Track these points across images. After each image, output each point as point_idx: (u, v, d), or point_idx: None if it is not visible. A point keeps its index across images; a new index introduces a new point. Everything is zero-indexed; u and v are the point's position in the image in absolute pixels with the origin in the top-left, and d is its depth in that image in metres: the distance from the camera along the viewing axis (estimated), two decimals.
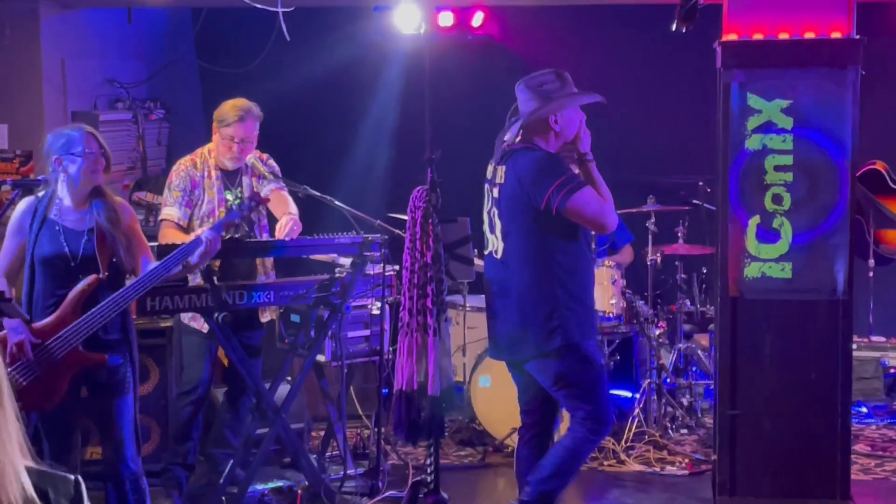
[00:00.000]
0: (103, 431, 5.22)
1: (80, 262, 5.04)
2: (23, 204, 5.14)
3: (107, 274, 5.03)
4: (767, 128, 6.24)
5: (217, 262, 6.01)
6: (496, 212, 5.36)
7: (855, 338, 7.07)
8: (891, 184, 8.13)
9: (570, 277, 5.30)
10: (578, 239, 5.38)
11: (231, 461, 6.03)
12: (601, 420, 5.35)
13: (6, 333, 4.92)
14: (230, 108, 6.15)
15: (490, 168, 5.49)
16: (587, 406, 5.34)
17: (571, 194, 5.21)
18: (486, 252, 5.50)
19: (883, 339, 8.45)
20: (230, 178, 6.22)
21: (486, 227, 5.49)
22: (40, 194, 5.14)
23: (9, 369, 4.90)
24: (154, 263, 5.13)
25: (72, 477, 2.72)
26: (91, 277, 4.99)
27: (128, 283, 5.14)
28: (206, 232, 5.31)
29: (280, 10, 5.79)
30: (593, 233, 5.69)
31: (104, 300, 4.97)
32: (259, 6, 5.98)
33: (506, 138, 5.49)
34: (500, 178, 5.37)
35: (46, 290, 5.07)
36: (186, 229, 6.07)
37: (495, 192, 5.39)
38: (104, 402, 5.13)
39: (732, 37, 6.30)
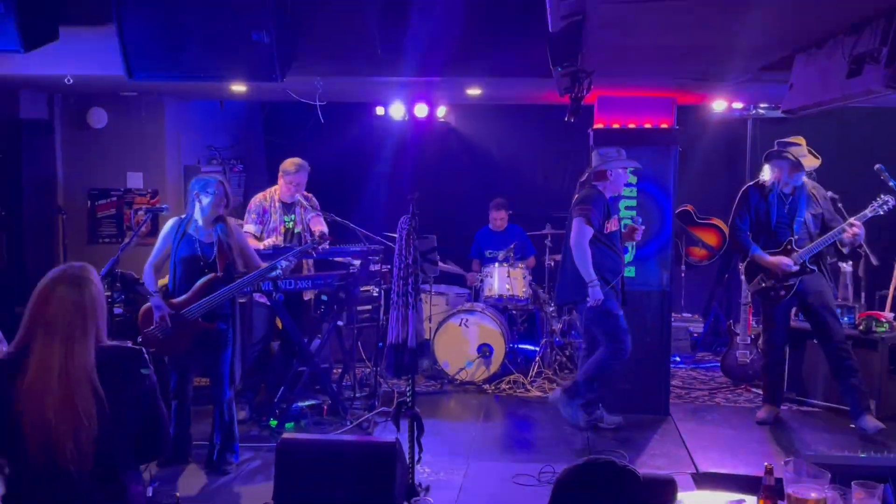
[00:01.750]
0: (212, 371, 5.21)
1: (207, 263, 5.07)
2: (171, 222, 5.15)
3: (222, 273, 5.06)
4: None
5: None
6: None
7: (673, 314, 7.14)
8: (696, 219, 8.24)
9: (596, 260, 5.52)
10: (600, 238, 5.57)
11: (282, 387, 6.04)
12: (617, 349, 5.57)
13: (150, 306, 4.95)
14: (290, 163, 6.17)
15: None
16: (605, 340, 5.60)
17: (575, 217, 5.52)
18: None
19: (689, 315, 8.53)
20: (287, 208, 6.23)
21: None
22: (183, 216, 5.15)
23: (152, 327, 4.91)
24: (251, 274, 5.15)
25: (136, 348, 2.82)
26: (210, 275, 5.03)
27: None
28: (282, 262, 5.30)
29: (318, 103, 5.80)
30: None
31: (218, 291, 5.01)
32: (304, 101, 5.98)
33: (582, 180, 5.87)
34: (575, 198, 5.75)
35: (184, 279, 5.08)
36: (259, 238, 6.10)
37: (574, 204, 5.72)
38: (214, 353, 5.14)
39: (600, 126, 6.38)
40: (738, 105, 7.74)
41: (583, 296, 5.53)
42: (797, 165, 5.67)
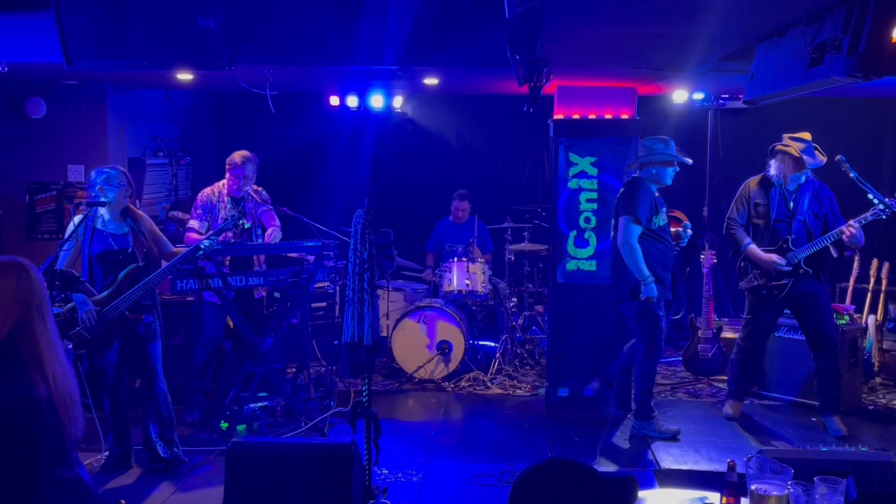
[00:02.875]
0: (141, 366, 5.13)
1: (126, 255, 5.00)
2: (75, 219, 5.03)
3: (143, 263, 4.97)
4: (581, 175, 6.33)
5: (227, 259, 5.92)
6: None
7: None
8: None
9: (645, 254, 5.45)
10: (647, 232, 5.49)
11: (233, 388, 5.94)
12: (651, 348, 5.55)
13: (76, 305, 4.83)
14: (237, 156, 6.05)
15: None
16: (644, 341, 5.58)
17: (621, 216, 5.48)
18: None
19: None
20: (236, 202, 6.12)
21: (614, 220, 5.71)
22: (86, 212, 5.04)
23: (78, 328, 4.78)
24: (177, 257, 5.13)
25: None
26: (132, 266, 4.95)
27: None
28: (204, 241, 5.25)
29: (269, 93, 5.70)
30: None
31: (144, 280, 4.92)
32: (255, 91, 5.88)
33: (628, 169, 5.83)
34: (620, 193, 5.68)
35: (102, 276, 5.00)
36: (201, 234, 5.98)
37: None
38: (142, 346, 5.07)
39: (560, 116, 6.39)
40: (698, 96, 7.80)
41: (629, 293, 5.49)
42: (800, 162, 5.58)
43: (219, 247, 5.46)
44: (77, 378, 2.74)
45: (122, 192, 4.99)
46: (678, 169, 5.64)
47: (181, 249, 5.29)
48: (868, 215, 5.58)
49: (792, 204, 5.69)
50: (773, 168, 5.70)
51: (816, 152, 5.63)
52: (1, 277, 2.58)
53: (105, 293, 4.91)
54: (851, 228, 5.54)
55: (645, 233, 5.47)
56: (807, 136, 5.66)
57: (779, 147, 5.69)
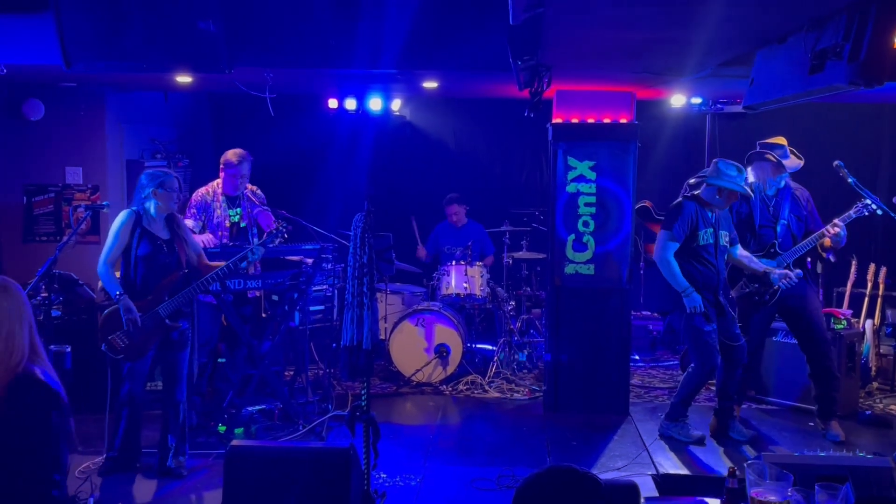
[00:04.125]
0: (167, 372, 5.11)
1: (170, 260, 4.99)
2: (124, 216, 4.97)
3: (186, 270, 4.98)
4: (580, 179, 6.32)
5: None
6: None
7: (633, 312, 7.17)
8: (655, 216, 8.29)
9: (688, 275, 5.45)
10: (689, 250, 5.44)
11: (231, 391, 5.92)
12: (702, 364, 5.49)
13: (115, 310, 4.81)
14: (233, 154, 6.06)
15: None
16: (693, 355, 5.56)
17: (662, 229, 5.50)
18: None
19: (648, 313, 8.60)
20: (231, 201, 6.13)
21: None
22: (134, 209, 5.00)
23: (117, 333, 4.76)
24: (224, 265, 5.14)
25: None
26: (175, 272, 4.96)
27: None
28: (254, 248, 5.29)
29: (268, 96, 5.69)
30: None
31: (186, 287, 4.95)
32: (253, 93, 5.88)
33: (691, 182, 5.75)
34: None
35: (145, 278, 4.95)
36: (199, 233, 6.01)
37: None
38: (173, 353, 5.05)
39: (559, 120, 6.38)
40: (696, 100, 7.81)
41: (675, 305, 5.46)
42: (779, 167, 5.61)
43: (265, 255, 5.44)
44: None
45: (176, 196, 5.00)
46: (736, 198, 5.54)
47: (206, 260, 5.25)
48: (852, 213, 5.62)
49: (772, 209, 5.73)
50: (751, 175, 5.72)
51: (793, 156, 5.69)
52: (6, 296, 2.58)
53: (146, 298, 4.89)
54: (837, 228, 5.57)
55: (687, 250, 5.43)
56: (782, 140, 5.73)
57: (757, 153, 5.73)
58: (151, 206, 4.97)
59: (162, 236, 5.00)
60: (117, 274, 5.00)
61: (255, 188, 6.23)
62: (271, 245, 5.40)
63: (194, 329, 5.14)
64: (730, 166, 5.41)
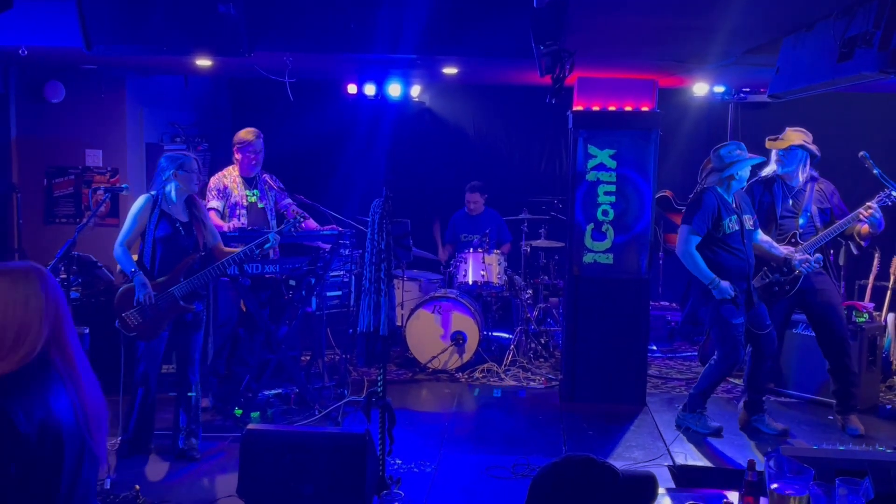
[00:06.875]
0: (181, 353, 5.14)
1: (189, 242, 5.01)
2: (143, 199, 5.00)
3: (203, 253, 4.99)
4: (600, 167, 6.28)
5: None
6: None
7: (651, 302, 7.13)
8: (675, 205, 8.22)
9: (717, 265, 5.35)
10: (715, 241, 5.36)
11: (248, 375, 5.95)
12: (727, 355, 5.41)
13: (130, 287, 4.85)
14: (245, 133, 6.12)
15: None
16: (718, 347, 5.49)
17: (683, 223, 5.39)
18: None
19: (667, 303, 8.56)
20: (249, 182, 6.16)
21: None
22: (153, 193, 5.02)
23: (132, 310, 4.80)
24: (243, 249, 5.16)
25: None
26: (193, 254, 4.98)
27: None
28: (273, 233, 5.29)
29: (287, 80, 5.68)
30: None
31: (203, 269, 4.96)
32: (273, 78, 5.86)
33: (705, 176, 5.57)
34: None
35: (164, 260, 4.98)
36: (222, 215, 6.05)
37: None
38: (187, 334, 5.07)
39: (579, 108, 6.33)
40: (719, 89, 7.72)
41: (703, 298, 5.41)
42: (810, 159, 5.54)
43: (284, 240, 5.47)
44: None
45: (196, 177, 5.03)
46: (742, 184, 5.48)
47: (223, 247, 5.26)
48: (874, 202, 5.50)
49: (791, 201, 5.65)
50: (774, 163, 5.66)
51: (811, 146, 5.60)
52: (24, 284, 2.26)
53: (163, 278, 4.93)
54: (871, 209, 5.45)
55: (712, 241, 5.36)
56: (791, 136, 5.61)
57: (770, 142, 5.66)
58: (172, 188, 4.98)
59: (181, 219, 5.01)
60: (134, 257, 5.02)
61: (273, 176, 6.26)
62: (288, 232, 5.41)
63: (209, 311, 5.16)
64: (728, 149, 5.38)
